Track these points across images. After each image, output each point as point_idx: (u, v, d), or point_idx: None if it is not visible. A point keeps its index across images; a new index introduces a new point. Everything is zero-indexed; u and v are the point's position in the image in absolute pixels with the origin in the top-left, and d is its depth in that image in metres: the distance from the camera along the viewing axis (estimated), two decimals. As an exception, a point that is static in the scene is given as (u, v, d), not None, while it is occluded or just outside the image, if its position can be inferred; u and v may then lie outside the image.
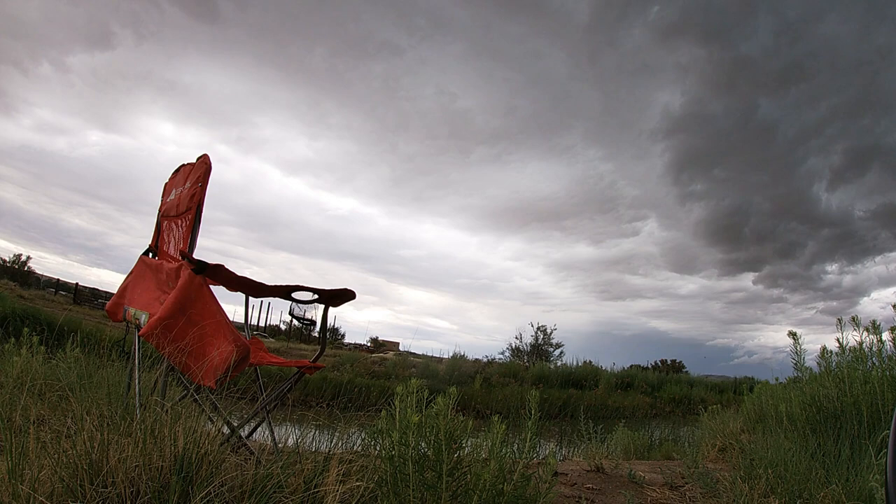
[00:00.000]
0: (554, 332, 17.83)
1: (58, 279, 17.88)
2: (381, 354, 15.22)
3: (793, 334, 3.00)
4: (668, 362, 21.45)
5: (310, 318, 2.14)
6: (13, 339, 3.09)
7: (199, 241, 1.90)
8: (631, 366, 17.10)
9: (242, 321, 2.48)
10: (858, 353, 2.81)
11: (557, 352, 17.60)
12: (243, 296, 2.21)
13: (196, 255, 1.81)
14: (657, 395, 14.65)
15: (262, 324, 18.47)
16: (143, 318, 1.84)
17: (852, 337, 2.83)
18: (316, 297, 2.05)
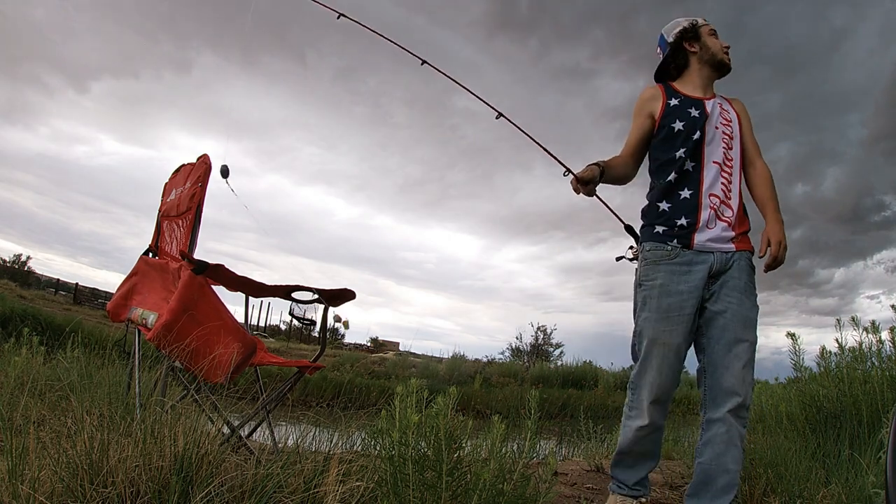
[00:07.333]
0: (554, 332, 17.80)
1: (58, 279, 17.76)
2: (381, 354, 15.22)
3: (791, 335, 3.01)
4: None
5: (310, 318, 2.14)
6: (13, 339, 3.10)
7: (213, 244, 1.91)
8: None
9: (242, 321, 2.48)
10: (858, 353, 2.81)
11: (557, 352, 17.57)
12: (243, 296, 2.22)
13: (205, 257, 1.81)
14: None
15: (262, 324, 18.46)
16: (151, 318, 1.84)
17: (851, 337, 2.84)
18: (316, 297, 2.05)
